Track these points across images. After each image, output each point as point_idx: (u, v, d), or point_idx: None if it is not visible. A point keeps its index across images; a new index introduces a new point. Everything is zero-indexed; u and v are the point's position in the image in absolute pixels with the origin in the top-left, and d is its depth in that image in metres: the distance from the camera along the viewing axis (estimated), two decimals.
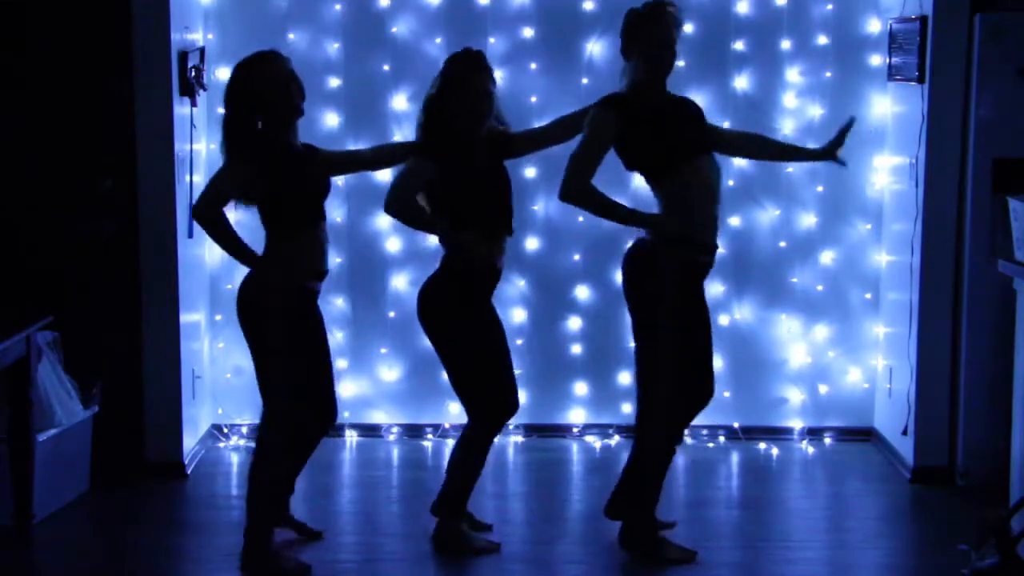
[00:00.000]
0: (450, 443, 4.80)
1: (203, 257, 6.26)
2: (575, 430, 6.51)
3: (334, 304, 6.40)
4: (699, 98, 6.06)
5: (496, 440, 5.10)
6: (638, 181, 5.14)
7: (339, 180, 6.28)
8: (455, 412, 6.20)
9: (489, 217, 4.88)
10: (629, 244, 4.92)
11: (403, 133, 6.28)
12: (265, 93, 4.63)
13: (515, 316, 6.43)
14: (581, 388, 6.49)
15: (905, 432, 5.96)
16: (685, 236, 4.75)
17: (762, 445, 6.40)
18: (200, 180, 6.00)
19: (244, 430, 6.37)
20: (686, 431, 5.45)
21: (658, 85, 4.83)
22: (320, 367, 4.89)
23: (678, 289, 4.75)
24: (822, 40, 6.30)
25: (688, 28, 6.25)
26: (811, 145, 6.22)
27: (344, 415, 6.43)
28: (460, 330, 4.93)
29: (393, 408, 6.52)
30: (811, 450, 6.38)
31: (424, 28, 6.31)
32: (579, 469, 6.16)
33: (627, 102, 4.78)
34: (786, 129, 6.28)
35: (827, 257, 6.41)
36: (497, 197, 4.91)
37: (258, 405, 4.85)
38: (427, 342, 6.22)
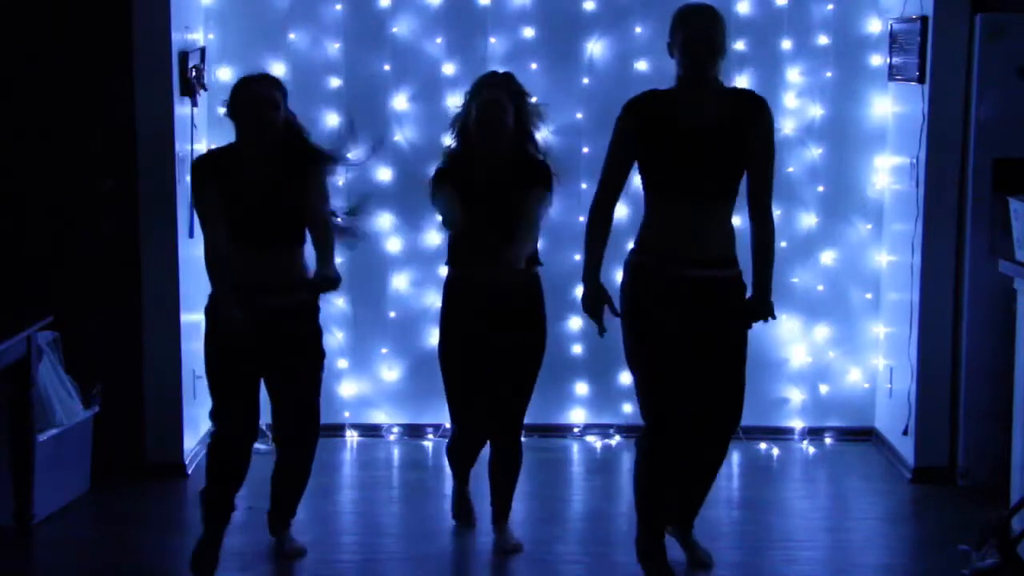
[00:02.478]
0: None
1: (203, 257, 6.24)
2: (575, 430, 6.51)
3: (334, 304, 6.39)
4: None
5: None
6: None
7: (339, 180, 6.30)
8: None
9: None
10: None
11: (403, 133, 6.30)
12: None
13: None
14: (581, 388, 6.49)
15: (905, 432, 5.96)
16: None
17: (763, 445, 6.39)
18: None
19: None
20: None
21: None
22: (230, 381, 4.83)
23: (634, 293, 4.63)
24: (822, 40, 6.29)
25: None
26: (812, 146, 6.24)
27: (344, 415, 6.44)
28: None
29: (393, 408, 6.52)
30: (811, 450, 6.38)
31: (424, 28, 6.30)
32: (579, 469, 6.16)
33: None
34: (786, 129, 6.27)
35: (827, 257, 6.41)
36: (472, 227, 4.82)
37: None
38: (427, 342, 6.29)
